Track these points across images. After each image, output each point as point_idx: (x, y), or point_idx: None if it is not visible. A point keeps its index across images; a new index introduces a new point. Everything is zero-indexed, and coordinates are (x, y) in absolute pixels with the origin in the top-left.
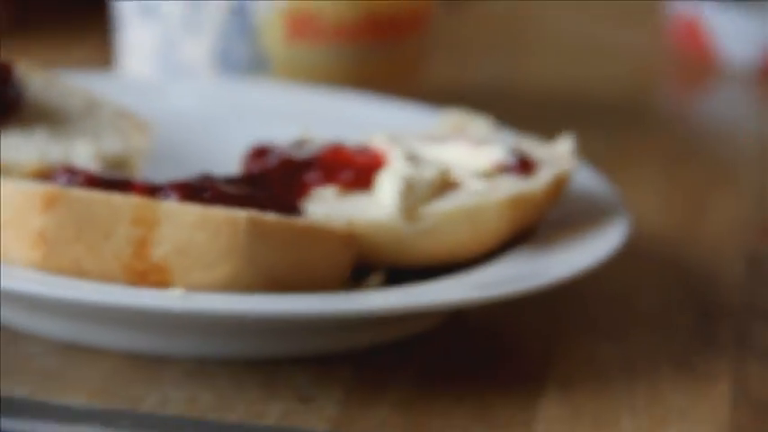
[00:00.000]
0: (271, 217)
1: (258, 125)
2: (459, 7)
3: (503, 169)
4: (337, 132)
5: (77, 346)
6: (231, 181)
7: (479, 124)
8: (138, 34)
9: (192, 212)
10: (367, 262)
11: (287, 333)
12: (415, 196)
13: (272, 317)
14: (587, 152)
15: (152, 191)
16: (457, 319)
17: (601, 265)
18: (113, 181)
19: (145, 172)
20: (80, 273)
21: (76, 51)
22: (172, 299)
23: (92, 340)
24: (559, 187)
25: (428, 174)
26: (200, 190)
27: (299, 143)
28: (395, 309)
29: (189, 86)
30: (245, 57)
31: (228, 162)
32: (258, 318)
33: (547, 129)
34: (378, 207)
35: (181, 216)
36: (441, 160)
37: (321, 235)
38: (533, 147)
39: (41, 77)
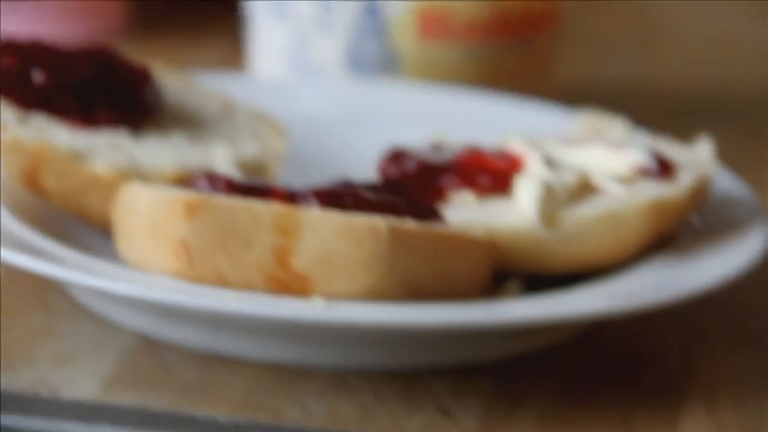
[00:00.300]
0: (412, 225)
1: (392, 126)
2: None
3: (643, 173)
4: (472, 133)
5: (217, 357)
6: (371, 187)
7: (616, 126)
8: (270, 34)
9: (335, 221)
10: (506, 269)
11: (428, 343)
12: (555, 202)
13: (414, 327)
14: (723, 153)
15: (293, 197)
16: (596, 327)
17: (743, 274)
18: (254, 187)
19: (280, 175)
20: (221, 281)
21: (207, 52)
22: (314, 309)
23: (231, 350)
24: (701, 192)
25: (567, 178)
26: (341, 197)
27: (436, 146)
28: (537, 320)
29: (321, 87)
30: (377, 56)
31: (363, 164)
32: (400, 328)
33: (681, 128)
34: (517, 213)
35: (323, 224)
36: (579, 164)
37: (462, 243)
38: (672, 149)
39: (178, 80)
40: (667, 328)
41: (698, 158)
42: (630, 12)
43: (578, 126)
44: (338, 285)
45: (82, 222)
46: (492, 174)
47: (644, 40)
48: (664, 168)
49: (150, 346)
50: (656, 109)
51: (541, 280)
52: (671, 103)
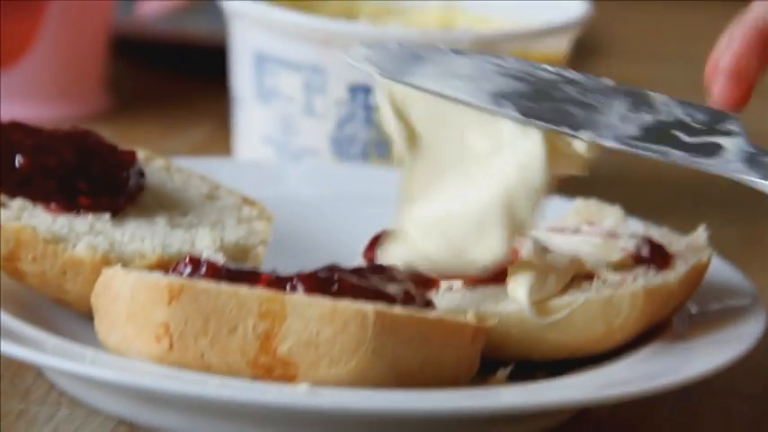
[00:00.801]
0: (399, 310)
1: (380, 210)
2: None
3: (637, 261)
4: None
5: None
6: (358, 271)
7: (610, 213)
8: (256, 117)
9: (321, 306)
10: (495, 354)
11: (414, 429)
12: (547, 290)
13: (400, 414)
14: (718, 239)
15: (278, 282)
16: (587, 412)
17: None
18: (239, 272)
19: (265, 260)
20: (203, 367)
21: (192, 136)
22: (298, 395)
23: None
24: (696, 279)
25: (560, 266)
26: (327, 282)
27: None
28: (525, 407)
29: (308, 171)
30: (364, 140)
31: (350, 249)
32: (386, 414)
33: (674, 214)
34: (507, 298)
35: (309, 309)
36: (572, 251)
37: (450, 328)
38: (666, 236)
39: (161, 164)
40: (660, 414)
41: (693, 246)
42: None
43: (572, 214)
44: (323, 371)
45: (61, 307)
46: None
47: None
48: (658, 256)
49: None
50: (646, 194)
51: (532, 365)
52: (661, 188)
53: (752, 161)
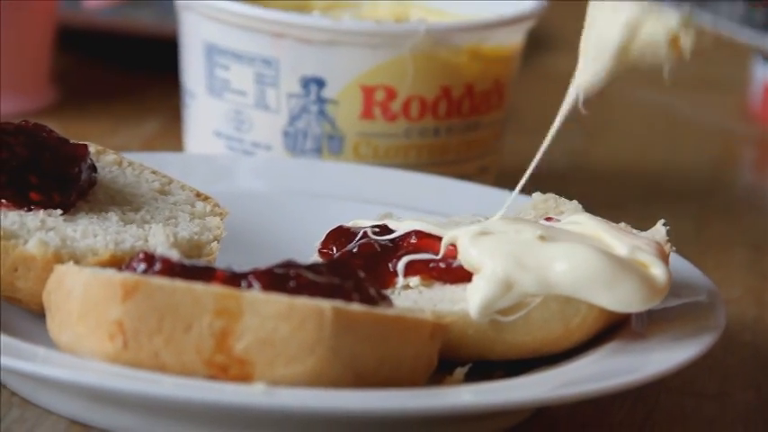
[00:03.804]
0: (357, 308)
1: (334, 206)
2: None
3: None
4: (417, 215)
5: None
6: (314, 268)
7: (568, 208)
8: (208, 112)
9: (277, 303)
10: (453, 354)
11: (372, 429)
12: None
13: (357, 413)
14: (672, 235)
15: (234, 279)
16: (545, 412)
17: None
18: (194, 268)
19: (220, 256)
20: (158, 365)
21: (144, 131)
22: (255, 395)
23: None
24: None
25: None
26: (284, 278)
27: (381, 227)
28: (481, 406)
29: (262, 166)
30: (318, 135)
31: (306, 245)
32: (343, 414)
33: (628, 208)
34: (464, 299)
35: (265, 307)
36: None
37: (408, 326)
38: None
39: (113, 159)
40: (618, 412)
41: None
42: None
43: (528, 208)
44: (280, 369)
45: (12, 305)
46: (438, 259)
47: (587, 120)
48: None
49: None
50: (600, 191)
51: (491, 365)
52: (615, 185)
53: None
